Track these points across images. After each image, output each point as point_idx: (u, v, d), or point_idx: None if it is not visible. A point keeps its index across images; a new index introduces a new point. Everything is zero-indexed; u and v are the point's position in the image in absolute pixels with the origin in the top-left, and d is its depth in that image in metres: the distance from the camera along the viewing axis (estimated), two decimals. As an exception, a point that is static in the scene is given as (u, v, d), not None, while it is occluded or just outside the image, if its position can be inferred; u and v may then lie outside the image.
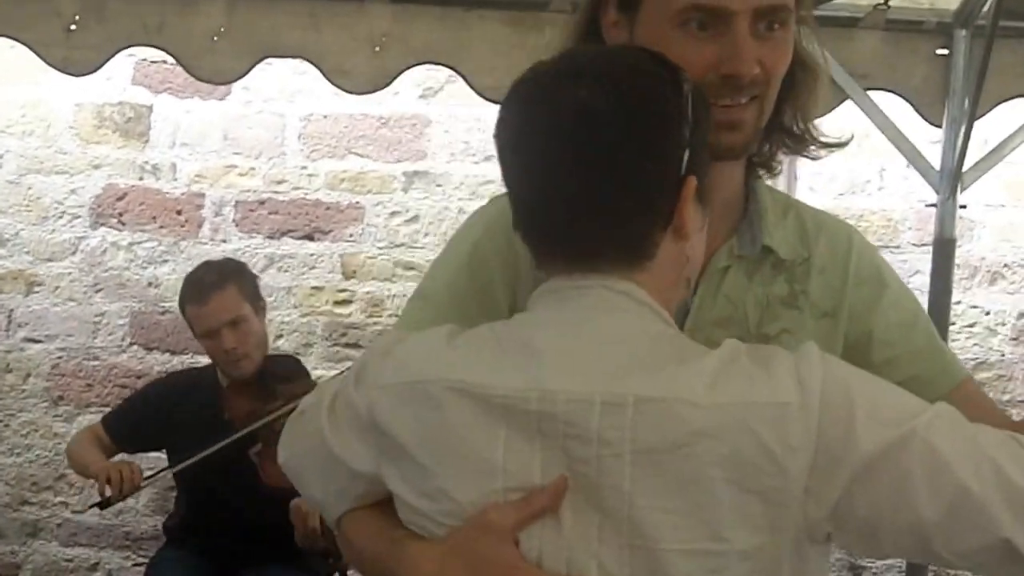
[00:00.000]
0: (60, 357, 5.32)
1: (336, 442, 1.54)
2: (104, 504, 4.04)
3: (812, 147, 1.69)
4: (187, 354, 5.27)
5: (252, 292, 4.21)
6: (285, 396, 4.08)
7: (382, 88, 3.61)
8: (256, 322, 4.17)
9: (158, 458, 4.43)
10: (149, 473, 4.13)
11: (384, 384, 1.45)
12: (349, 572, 3.99)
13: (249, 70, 3.58)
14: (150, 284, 5.31)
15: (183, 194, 5.29)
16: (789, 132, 1.67)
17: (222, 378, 4.24)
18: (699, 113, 1.44)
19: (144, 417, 4.28)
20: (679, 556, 1.30)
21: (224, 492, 4.08)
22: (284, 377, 4.21)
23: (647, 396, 1.30)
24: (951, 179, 3.87)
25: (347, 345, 5.29)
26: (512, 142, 1.45)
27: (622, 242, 1.40)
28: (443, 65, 3.62)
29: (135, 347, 5.32)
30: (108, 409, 5.01)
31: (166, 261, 5.30)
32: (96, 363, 5.31)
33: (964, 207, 4.00)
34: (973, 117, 3.68)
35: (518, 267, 1.65)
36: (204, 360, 4.84)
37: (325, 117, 5.26)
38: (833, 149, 1.71)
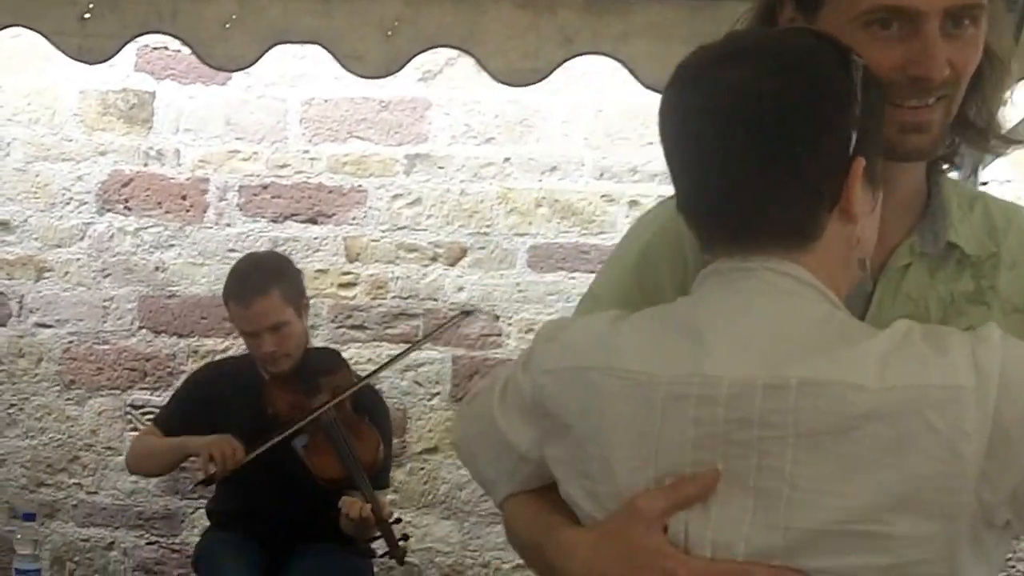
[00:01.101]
0: (71, 341, 5.28)
1: (505, 425, 1.56)
2: (208, 481, 4.03)
3: (996, 142, 1.61)
4: (194, 337, 5.27)
5: (295, 293, 4.18)
6: (327, 389, 4.12)
7: (395, 72, 3.54)
8: (298, 324, 4.16)
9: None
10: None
11: (548, 369, 1.46)
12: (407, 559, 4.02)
13: (261, 56, 3.54)
14: (157, 268, 5.27)
15: (187, 179, 5.25)
16: (973, 126, 1.59)
17: (264, 370, 4.23)
18: (870, 94, 1.40)
19: (194, 410, 4.24)
20: (839, 539, 1.27)
21: (270, 483, 4.04)
22: (325, 370, 4.21)
23: (811, 379, 1.27)
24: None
25: (352, 327, 5.24)
26: (675, 124, 1.44)
27: (787, 223, 1.38)
28: (457, 48, 3.54)
29: (144, 331, 5.28)
30: (118, 392, 5.19)
31: (172, 246, 5.26)
32: (106, 347, 5.28)
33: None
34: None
35: (687, 270, 1.61)
36: (210, 343, 5.06)
37: (326, 101, 5.22)
38: (1018, 145, 1.64)
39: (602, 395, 1.38)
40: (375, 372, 4.57)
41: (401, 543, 3.91)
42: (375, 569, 4.32)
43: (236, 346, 5.11)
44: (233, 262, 4.81)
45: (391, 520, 3.88)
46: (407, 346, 4.93)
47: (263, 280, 4.06)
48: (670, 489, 1.32)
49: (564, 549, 1.41)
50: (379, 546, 4.15)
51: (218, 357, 5.07)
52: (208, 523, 4.43)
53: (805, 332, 1.33)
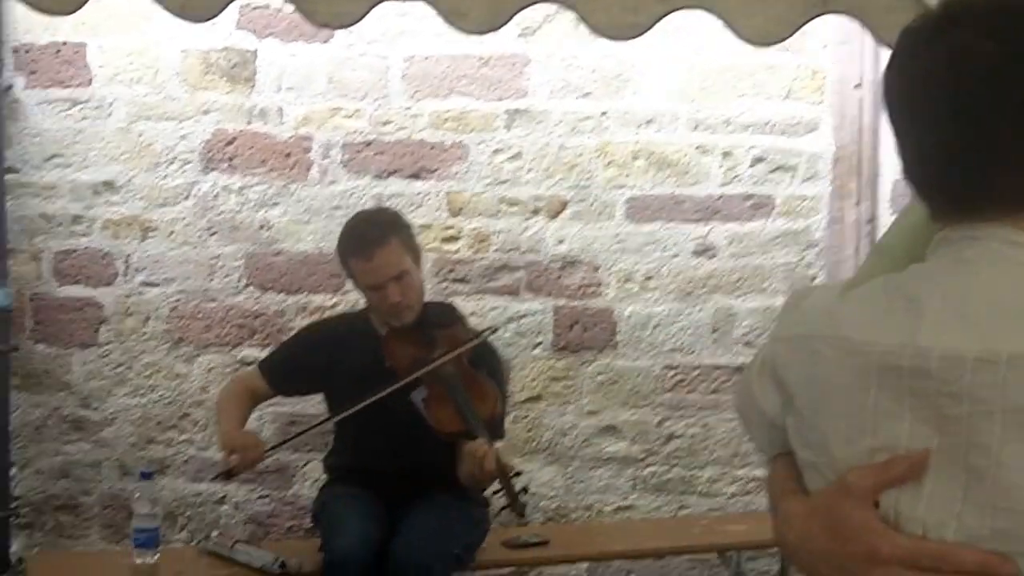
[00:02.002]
0: (178, 300, 5.21)
1: (758, 391, 1.49)
2: (228, 474, 4.01)
3: None
4: (302, 293, 5.21)
5: (411, 243, 4.15)
6: (444, 342, 4.08)
7: (498, 28, 3.41)
8: (417, 274, 4.13)
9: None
10: (271, 445, 4.15)
11: (784, 336, 1.40)
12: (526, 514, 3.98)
13: (367, 13, 3.38)
14: (262, 227, 5.20)
15: (291, 137, 5.17)
16: None
17: (378, 326, 4.19)
18: None
19: (304, 363, 4.21)
20: None
21: (389, 436, 4.02)
22: (441, 324, 4.18)
23: (1021, 353, 1.17)
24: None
25: (455, 280, 5.23)
26: (895, 91, 1.36)
27: (1012, 189, 1.28)
28: (558, 4, 3.41)
29: (251, 288, 5.22)
30: (227, 348, 5.11)
31: (277, 204, 5.19)
32: (213, 304, 5.22)
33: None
34: None
35: None
36: (318, 299, 4.99)
37: (427, 58, 5.17)
38: None
39: (822, 363, 1.32)
40: (486, 332, 4.49)
41: (521, 496, 3.84)
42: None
43: (345, 302, 5.12)
44: (338, 219, 4.83)
45: (512, 473, 3.80)
46: (510, 298, 5.08)
47: (381, 232, 4.01)
48: (882, 467, 1.25)
49: (784, 518, 1.35)
50: (491, 502, 4.23)
51: (327, 314, 5.02)
52: (325, 477, 4.43)
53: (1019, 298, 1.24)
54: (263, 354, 4.88)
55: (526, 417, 5.27)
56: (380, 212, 4.36)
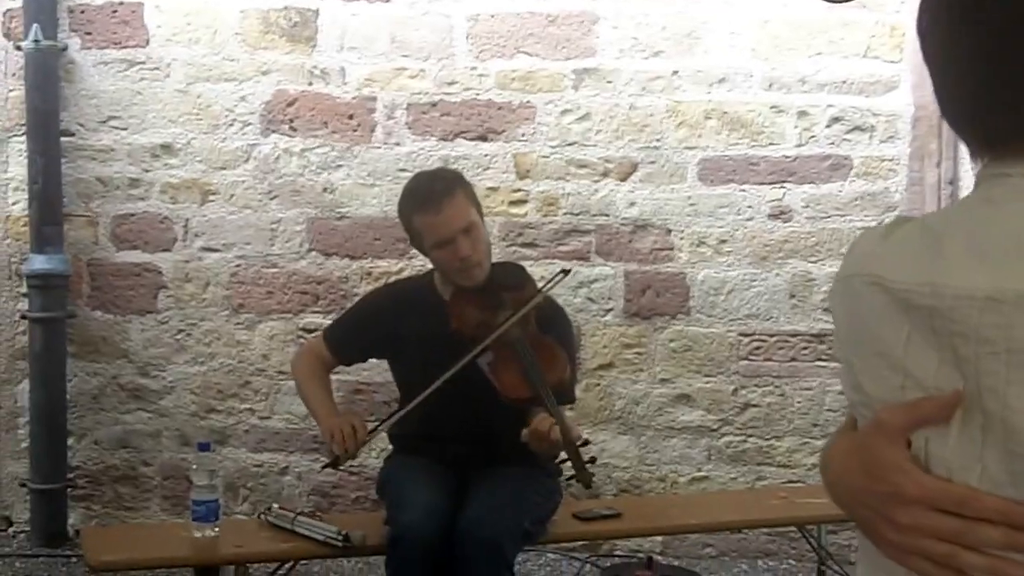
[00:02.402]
0: (239, 265, 5.17)
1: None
2: (334, 463, 3.89)
3: None
4: (366, 259, 5.15)
5: (475, 198, 4.00)
6: (512, 304, 3.93)
7: None
8: (483, 229, 3.98)
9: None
10: (373, 425, 3.95)
11: (836, 277, 1.37)
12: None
13: None
14: (325, 190, 5.13)
15: (353, 98, 5.09)
16: None
17: (442, 289, 4.03)
18: None
19: (368, 331, 4.07)
20: None
21: (454, 403, 3.87)
22: (510, 285, 4.02)
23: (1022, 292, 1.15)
24: None
25: (523, 244, 5.14)
26: (930, 23, 1.31)
27: None
28: None
29: (313, 253, 5.16)
30: (289, 315, 5.05)
31: (340, 166, 5.11)
32: (275, 270, 5.16)
33: None
34: None
35: None
36: (384, 264, 4.95)
37: (492, 16, 5.06)
38: None
39: (859, 303, 1.29)
40: (547, 286, 4.32)
41: (588, 466, 3.67)
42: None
43: (411, 267, 5.05)
44: (404, 182, 4.73)
45: (579, 442, 3.64)
46: (579, 263, 4.99)
47: (446, 185, 3.90)
48: (912, 406, 1.22)
49: (827, 456, 1.34)
50: (559, 471, 4.09)
51: (392, 279, 4.94)
52: (390, 447, 4.33)
53: None
54: (326, 321, 4.87)
55: (597, 385, 5.16)
56: (441, 169, 4.25)
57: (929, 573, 1.18)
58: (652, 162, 5.10)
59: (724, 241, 5.12)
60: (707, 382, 5.17)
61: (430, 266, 4.17)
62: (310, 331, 5.06)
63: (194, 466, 3.82)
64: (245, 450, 5.20)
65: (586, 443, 3.68)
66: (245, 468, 5.21)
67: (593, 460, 3.67)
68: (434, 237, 3.90)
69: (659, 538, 5.14)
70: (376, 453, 5.01)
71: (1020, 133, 1.23)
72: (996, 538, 1.14)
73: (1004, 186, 1.24)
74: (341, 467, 3.99)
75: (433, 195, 3.88)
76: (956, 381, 1.18)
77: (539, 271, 4.73)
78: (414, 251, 4.65)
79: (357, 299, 4.58)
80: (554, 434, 3.58)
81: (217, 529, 3.77)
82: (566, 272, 4.06)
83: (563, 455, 3.72)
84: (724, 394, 5.17)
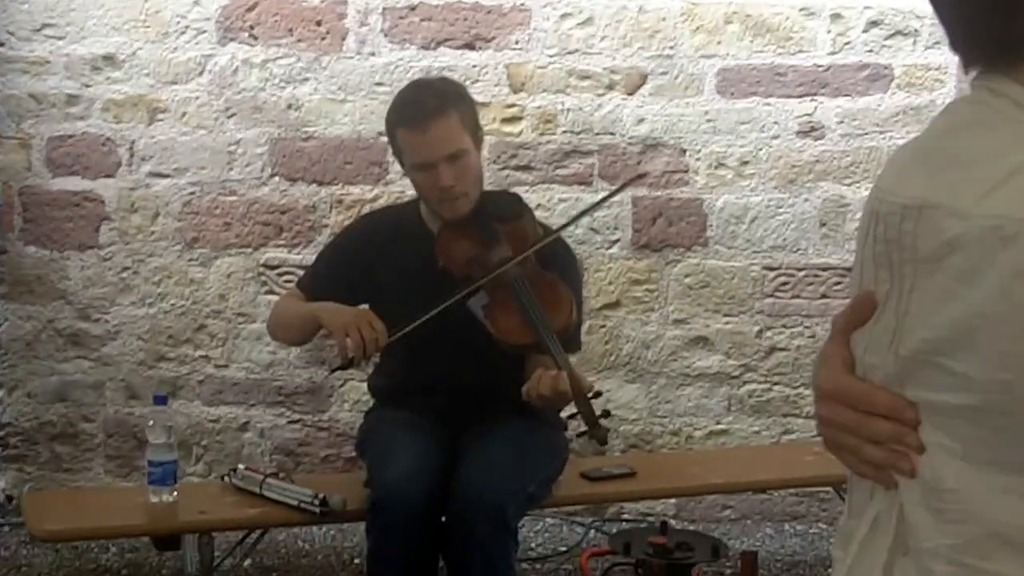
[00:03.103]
0: (192, 193, 5.07)
1: None
2: (347, 365, 3.80)
3: None
4: (336, 185, 5.07)
5: (473, 123, 3.94)
6: (508, 239, 3.93)
7: None
8: (476, 157, 3.93)
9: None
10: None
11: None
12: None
13: None
14: (290, 106, 5.02)
15: (322, 2, 4.98)
16: None
17: (429, 220, 4.00)
18: None
19: (346, 271, 4.03)
20: (921, 370, 1.31)
21: (445, 350, 3.87)
22: (505, 216, 3.99)
23: (932, 202, 1.29)
24: None
25: (517, 168, 5.05)
26: None
27: (1001, 37, 1.31)
28: None
29: (276, 179, 5.07)
30: (249, 250, 5.03)
31: (307, 79, 5.00)
32: (234, 198, 5.07)
33: None
34: None
35: None
36: (356, 191, 4.94)
37: None
38: None
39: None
40: (573, 221, 4.43)
41: (602, 421, 3.64)
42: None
43: (387, 195, 4.99)
44: (380, 97, 4.85)
45: (591, 394, 3.65)
46: (581, 188, 4.98)
47: (440, 101, 3.84)
48: (847, 308, 1.41)
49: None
50: (564, 424, 4.11)
51: (366, 209, 4.92)
52: (371, 400, 4.29)
53: (967, 149, 1.31)
54: (291, 256, 4.99)
55: (602, 327, 5.11)
56: (443, 81, 4.12)
57: (846, 463, 1.39)
58: (664, 73, 5.01)
59: (746, 162, 5.06)
60: (727, 323, 5.13)
61: (411, 192, 4.15)
62: (272, 267, 5.06)
63: (150, 422, 3.80)
64: (199, 403, 5.15)
65: (598, 395, 3.68)
66: (200, 424, 5.14)
67: (607, 414, 3.69)
68: (415, 158, 3.88)
69: (672, 500, 5.12)
70: (350, 406, 5.08)
71: (984, 46, 1.32)
72: (886, 431, 1.32)
73: (975, 102, 1.34)
74: (352, 367, 3.95)
75: (421, 111, 3.84)
76: (885, 285, 1.35)
77: (535, 198, 4.86)
78: (391, 177, 4.95)
79: (332, 237, 4.54)
80: (561, 385, 3.55)
81: (175, 493, 3.77)
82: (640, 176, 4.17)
83: (569, 410, 3.74)
84: (746, 336, 5.14)
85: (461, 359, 3.89)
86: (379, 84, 4.95)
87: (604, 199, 4.39)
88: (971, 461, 1.27)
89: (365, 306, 3.90)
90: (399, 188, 4.86)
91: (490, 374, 3.87)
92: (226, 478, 3.97)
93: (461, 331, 3.82)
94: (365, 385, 4.43)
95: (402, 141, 3.90)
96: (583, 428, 3.66)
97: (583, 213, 4.40)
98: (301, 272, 4.50)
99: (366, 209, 4.91)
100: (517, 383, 3.73)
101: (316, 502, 3.71)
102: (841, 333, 1.40)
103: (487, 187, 4.18)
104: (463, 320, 3.81)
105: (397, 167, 4.45)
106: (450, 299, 3.77)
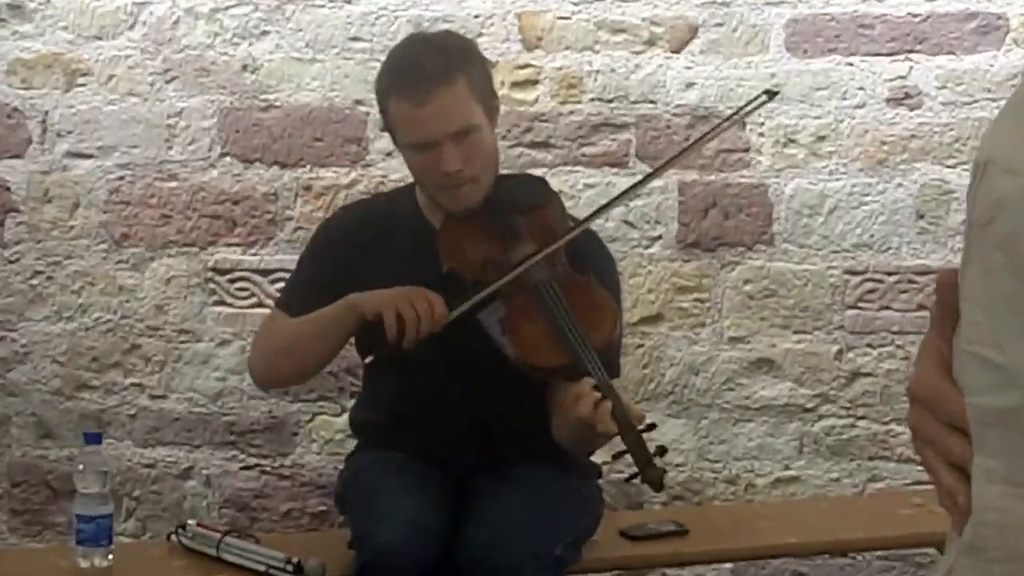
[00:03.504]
0: (121, 178, 5.06)
1: None
2: (396, 350, 3.75)
3: None
4: (303, 167, 5.05)
5: (485, 89, 3.97)
6: (531, 234, 3.97)
7: None
8: (489, 134, 3.96)
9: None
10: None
11: None
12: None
13: None
14: (245, 68, 5.03)
15: None
16: None
17: (429, 212, 4.05)
18: None
19: (327, 282, 4.04)
20: (969, 360, 1.29)
21: (450, 374, 3.94)
22: (525, 205, 4.04)
23: (993, 157, 1.30)
24: None
25: (532, 145, 5.06)
26: None
27: None
28: None
29: (228, 159, 5.03)
30: (195, 249, 5.07)
31: (265, 34, 4.98)
32: (173, 184, 5.07)
33: None
34: None
35: None
36: (329, 175, 4.98)
37: None
38: None
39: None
40: (603, 211, 4.36)
41: (657, 460, 3.62)
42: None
43: (368, 179, 4.99)
44: (357, 56, 4.91)
45: (642, 425, 3.64)
46: (613, 172, 4.98)
47: (444, 65, 3.86)
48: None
49: None
50: (598, 471, 4.20)
51: (343, 196, 4.95)
52: (352, 440, 4.38)
53: None
54: (247, 258, 5.02)
55: (639, 347, 5.10)
56: (448, 37, 4.16)
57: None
58: (719, 24, 5.00)
59: (823, 138, 5.04)
60: (798, 341, 5.11)
61: (397, 177, 4.28)
62: (223, 272, 5.06)
63: (79, 467, 3.82)
64: (131, 444, 5.12)
65: (651, 426, 3.69)
66: (131, 470, 5.13)
67: (664, 450, 3.68)
68: (412, 135, 3.91)
69: (728, 565, 5.12)
70: (320, 446, 5.08)
71: None
72: (957, 451, 1.29)
73: None
74: (402, 352, 3.81)
75: (420, 76, 3.86)
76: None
77: (555, 182, 4.77)
78: (372, 157, 4.97)
79: (308, 240, 4.51)
80: (603, 417, 3.54)
81: (111, 557, 3.78)
82: (771, 94, 4.14)
83: (611, 447, 3.78)
84: (822, 358, 5.11)
85: (469, 386, 3.93)
86: (356, 39, 4.95)
87: (641, 183, 4.37)
88: (1017, 484, 1.25)
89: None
90: (381, 171, 4.92)
91: (506, 406, 3.91)
92: (173, 537, 3.99)
93: (470, 350, 3.84)
94: (338, 420, 4.55)
95: (396, 113, 3.93)
96: (634, 470, 3.64)
97: (615, 200, 4.39)
98: (258, 277, 4.63)
99: (341, 198, 4.96)
100: (540, 418, 3.80)
101: (289, 567, 3.72)
102: (939, 321, 1.39)
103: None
104: (474, 336, 3.82)
105: (379, 144, 4.69)
106: (457, 309, 3.78)
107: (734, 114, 4.21)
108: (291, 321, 4.04)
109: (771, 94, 4.12)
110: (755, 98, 4.10)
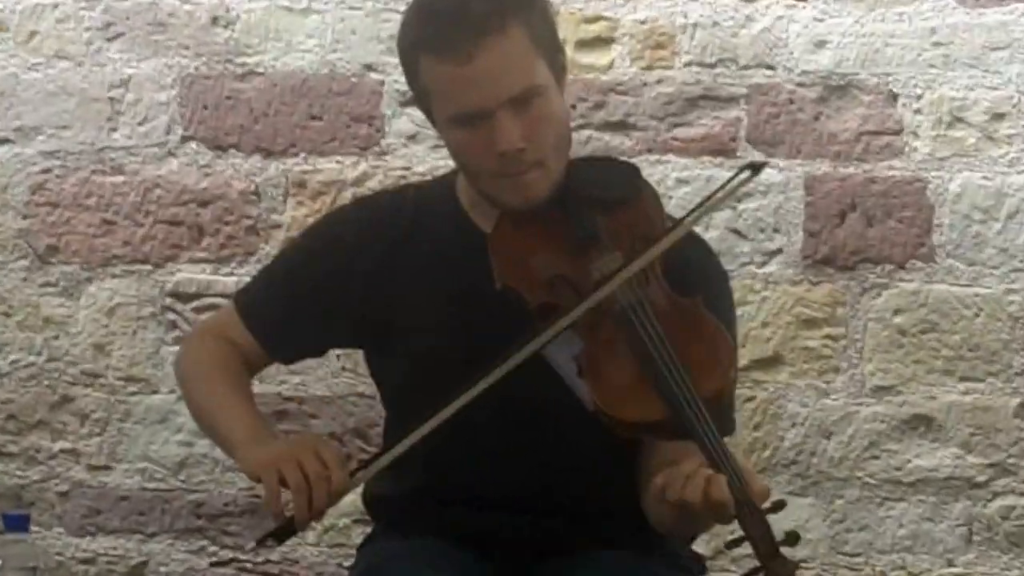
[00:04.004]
0: (48, 170, 5.09)
1: None
2: (282, 533, 3.62)
3: None
4: (295, 155, 5.07)
5: (549, 37, 3.75)
6: (615, 239, 3.75)
7: None
8: (557, 97, 3.72)
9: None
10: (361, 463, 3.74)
11: None
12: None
13: None
14: (216, 21, 5.06)
15: None
16: None
17: (476, 210, 3.84)
18: None
19: (325, 294, 3.93)
20: None
21: (501, 432, 3.74)
22: (608, 200, 3.83)
23: None
24: None
25: (606, 125, 5.00)
26: None
27: None
28: None
29: (193, 145, 5.06)
30: (147, 267, 5.17)
31: None
32: (119, 179, 5.07)
33: None
34: None
35: None
36: (328, 168, 5.11)
37: None
38: None
39: None
40: (705, 209, 3.98)
41: (785, 551, 3.44)
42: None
43: (383, 172, 4.95)
44: (367, 5, 4.97)
45: (767, 505, 3.42)
46: (717, 161, 5.00)
47: (494, 6, 3.66)
48: None
49: None
50: (702, 564, 4.01)
51: (352, 192, 4.92)
52: (368, 524, 4.21)
53: None
54: (218, 278, 5.04)
55: (750, 400, 5.00)
56: None
57: None
58: None
59: (1000, 116, 4.89)
60: (965, 392, 4.97)
61: (429, 167, 4.46)
62: (186, 297, 5.01)
63: None
64: (62, 531, 5.12)
65: (779, 506, 3.45)
66: (63, 566, 5.06)
67: (795, 538, 3.45)
68: (453, 104, 3.67)
69: None
70: (318, 536, 5.04)
71: None
72: None
73: None
74: (293, 536, 3.64)
75: (463, 23, 3.61)
76: None
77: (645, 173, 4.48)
78: (390, 142, 4.94)
79: (298, 234, 4.42)
80: (718, 492, 3.30)
81: None
82: (755, 169, 3.84)
83: (724, 528, 3.50)
84: (998, 414, 4.96)
85: (531, 446, 3.76)
86: None
87: (749, 177, 3.99)
88: None
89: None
90: (402, 161, 4.83)
91: (580, 474, 3.75)
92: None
93: (533, 399, 3.65)
94: (344, 499, 4.30)
95: (431, 76, 3.66)
96: (757, 563, 3.40)
97: (714, 196, 3.97)
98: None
99: (347, 197, 4.86)
100: (626, 489, 3.68)
101: None
102: None
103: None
104: (539, 378, 3.57)
105: (399, 124, 4.68)
106: (519, 346, 3.53)
107: (702, 204, 3.87)
108: (206, 374, 3.98)
109: (755, 169, 3.90)
110: (734, 176, 3.85)
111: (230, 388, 3.93)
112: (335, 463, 3.56)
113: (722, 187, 3.85)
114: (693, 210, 3.89)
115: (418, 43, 3.73)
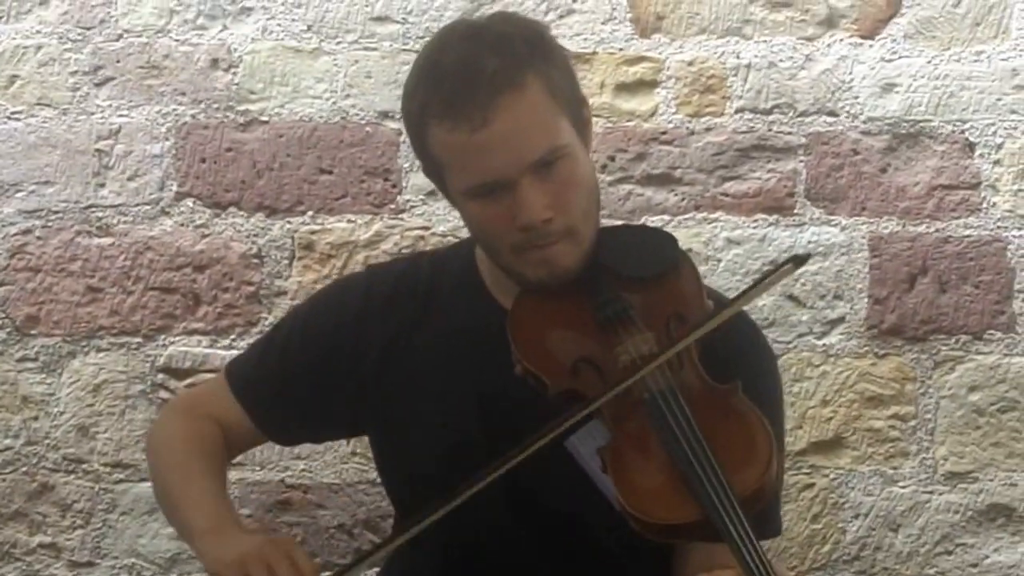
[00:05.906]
0: (28, 231, 4.90)
1: None
2: None
3: None
4: (301, 212, 4.91)
5: (569, 90, 3.59)
6: (647, 318, 3.59)
7: None
8: (583, 156, 3.57)
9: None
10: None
11: None
12: None
13: None
14: (216, 63, 4.90)
15: None
16: None
17: (497, 285, 3.70)
18: None
19: (327, 374, 3.79)
20: None
21: (519, 528, 3.65)
22: (640, 276, 3.69)
23: None
24: None
25: (648, 180, 4.86)
26: None
27: None
28: None
29: (189, 203, 4.88)
30: (137, 339, 4.97)
31: (248, 10, 4.95)
32: (107, 241, 4.89)
33: None
34: None
35: None
36: (339, 227, 4.96)
37: None
38: None
39: None
40: (763, 286, 3.83)
41: None
42: None
43: (400, 232, 4.84)
44: (382, 47, 4.83)
45: None
46: (771, 220, 4.91)
47: (507, 61, 3.47)
48: None
49: None
50: None
51: (364, 257, 4.81)
52: None
53: None
54: (215, 351, 4.87)
55: (809, 487, 4.89)
56: (503, 21, 3.78)
57: None
58: None
59: None
60: None
61: (451, 226, 4.52)
62: (181, 374, 4.84)
63: None
64: None
65: None
66: None
67: None
68: (469, 176, 3.51)
69: None
70: None
71: None
72: None
73: None
74: None
75: (474, 82, 3.45)
76: None
77: (684, 237, 4.75)
78: (408, 198, 4.80)
79: (298, 305, 4.38)
80: None
81: None
82: (799, 262, 3.62)
83: None
84: None
85: (552, 548, 3.65)
86: (381, 20, 4.80)
87: (791, 270, 3.76)
88: None
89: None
90: (421, 219, 4.71)
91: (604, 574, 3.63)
92: None
93: (554, 494, 3.56)
94: None
95: (442, 145, 3.53)
96: None
97: (752, 289, 3.81)
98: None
99: (359, 261, 4.79)
100: None
101: None
102: None
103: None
104: (559, 472, 3.44)
105: (418, 179, 4.50)
106: (539, 436, 3.33)
107: (744, 293, 3.73)
108: (175, 457, 3.84)
109: (799, 261, 3.66)
110: (778, 267, 3.64)
111: (200, 470, 3.81)
112: (310, 571, 3.41)
113: (760, 280, 3.66)
114: (736, 298, 3.75)
115: (426, 109, 3.58)
